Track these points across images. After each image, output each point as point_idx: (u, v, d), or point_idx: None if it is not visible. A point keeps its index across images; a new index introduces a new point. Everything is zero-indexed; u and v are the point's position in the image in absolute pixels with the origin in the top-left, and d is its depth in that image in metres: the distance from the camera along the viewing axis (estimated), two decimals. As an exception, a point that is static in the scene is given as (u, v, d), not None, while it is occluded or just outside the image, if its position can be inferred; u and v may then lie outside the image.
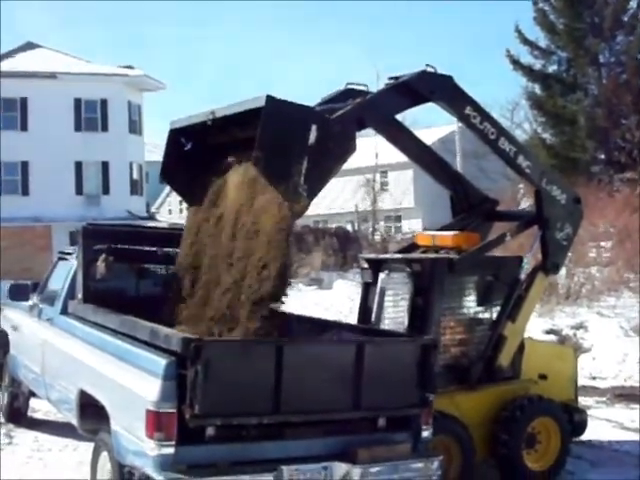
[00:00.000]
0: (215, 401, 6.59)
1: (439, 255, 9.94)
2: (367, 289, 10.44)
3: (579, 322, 20.47)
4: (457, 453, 9.26)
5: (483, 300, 10.22)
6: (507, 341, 10.04)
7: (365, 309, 10.33)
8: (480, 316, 10.26)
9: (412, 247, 10.81)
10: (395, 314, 10.06)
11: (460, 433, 9.31)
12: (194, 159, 9.24)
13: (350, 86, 9.51)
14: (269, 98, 7.53)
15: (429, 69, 9.23)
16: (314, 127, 7.72)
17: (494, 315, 10.20)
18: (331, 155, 7.87)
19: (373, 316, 10.02)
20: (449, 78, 9.39)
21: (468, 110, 9.54)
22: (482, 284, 10.23)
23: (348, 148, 8.05)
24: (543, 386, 10.38)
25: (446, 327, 9.87)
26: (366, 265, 10.48)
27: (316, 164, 7.69)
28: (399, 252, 11.05)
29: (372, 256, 11.29)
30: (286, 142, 7.60)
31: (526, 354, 10.36)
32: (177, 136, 9.31)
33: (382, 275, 10.11)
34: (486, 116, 9.76)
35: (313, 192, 7.72)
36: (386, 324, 9.99)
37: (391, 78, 9.42)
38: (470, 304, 10.28)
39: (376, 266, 10.31)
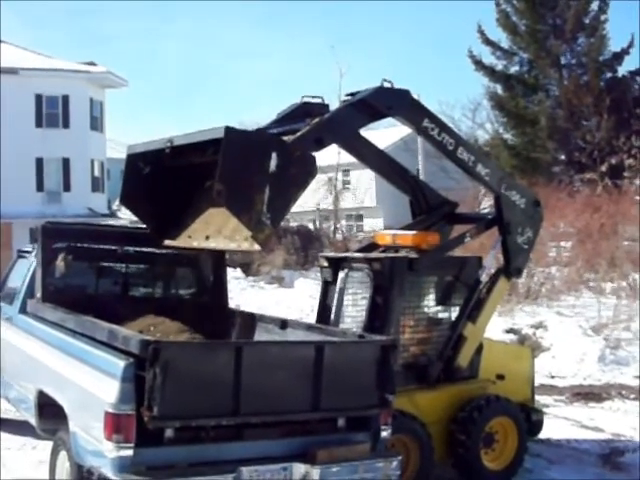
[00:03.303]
0: (174, 403, 6.57)
1: (399, 254, 9.97)
2: (326, 288, 10.46)
3: (539, 321, 20.61)
4: (416, 451, 9.29)
5: (442, 300, 10.28)
6: (467, 341, 10.09)
7: (324, 308, 10.34)
8: (439, 316, 10.32)
9: (372, 246, 10.81)
10: (354, 313, 10.08)
11: (419, 432, 9.33)
12: (153, 183, 9.24)
13: (306, 99, 9.51)
14: (228, 129, 7.54)
15: (386, 84, 9.26)
16: (274, 154, 7.72)
17: (453, 315, 10.25)
18: (293, 181, 7.88)
19: (332, 315, 10.03)
20: (406, 92, 9.42)
21: (426, 123, 9.58)
22: (442, 284, 10.30)
23: (309, 172, 8.06)
24: (500, 386, 10.44)
25: (405, 326, 9.90)
26: (326, 264, 10.49)
27: (278, 191, 7.70)
28: (359, 251, 11.06)
29: (332, 255, 11.29)
30: (247, 172, 7.60)
31: (484, 354, 10.42)
32: (135, 161, 9.29)
33: (341, 274, 10.12)
34: (444, 127, 9.81)
35: (276, 220, 7.78)
36: (345, 323, 10.00)
37: (348, 95, 9.45)
38: (429, 303, 10.33)
39: (336, 265, 10.32)
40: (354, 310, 10.10)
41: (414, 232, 10.19)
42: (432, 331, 10.16)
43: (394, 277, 9.65)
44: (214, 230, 8.66)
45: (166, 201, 9.23)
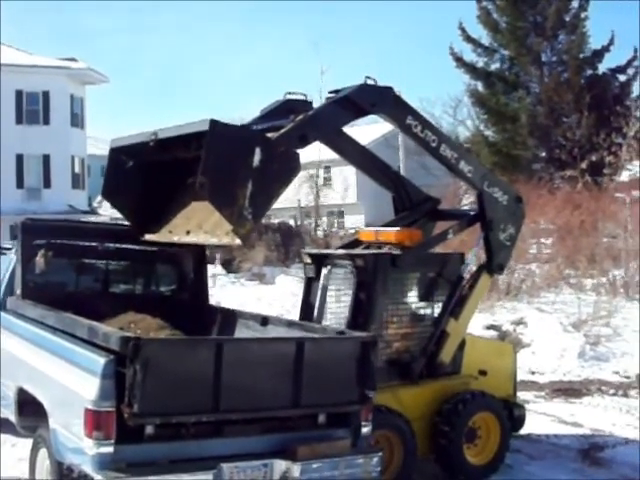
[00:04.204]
0: (154, 400, 6.56)
1: (382, 251, 9.97)
2: (310, 284, 10.47)
3: (519, 318, 20.66)
4: (399, 447, 9.33)
5: (425, 296, 10.29)
6: (449, 337, 10.12)
7: (307, 304, 10.36)
8: (422, 312, 10.33)
9: (355, 243, 10.82)
10: (338, 309, 10.10)
11: (402, 427, 9.37)
12: (136, 177, 9.22)
13: (289, 96, 9.53)
14: (213, 122, 7.54)
15: (369, 81, 9.27)
16: (257, 149, 7.73)
17: (436, 311, 10.27)
18: (275, 177, 7.89)
19: (315, 311, 10.05)
20: (389, 89, 9.45)
21: (409, 120, 9.61)
22: (424, 280, 10.31)
23: (292, 169, 8.09)
24: (483, 382, 10.49)
25: (388, 323, 9.91)
26: (309, 260, 10.51)
27: (261, 187, 7.71)
28: (342, 247, 11.08)
29: (315, 251, 11.31)
30: (230, 165, 7.61)
31: (466, 350, 10.45)
32: (118, 154, 9.27)
33: (325, 270, 10.13)
34: (426, 124, 9.84)
35: (258, 215, 7.79)
36: (328, 319, 10.03)
37: (332, 92, 9.46)
38: (412, 300, 10.34)
39: (319, 261, 10.33)
40: (337, 306, 10.12)
41: (397, 229, 10.20)
42: (415, 327, 10.17)
43: (377, 274, 9.67)
44: (195, 225, 8.67)
45: (148, 196, 9.22)
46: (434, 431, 9.85)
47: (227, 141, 7.61)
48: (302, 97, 9.50)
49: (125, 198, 9.44)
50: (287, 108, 9.30)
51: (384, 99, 9.42)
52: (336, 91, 9.37)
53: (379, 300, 9.66)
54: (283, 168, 7.97)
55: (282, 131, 8.35)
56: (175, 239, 9.05)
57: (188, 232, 8.77)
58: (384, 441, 9.10)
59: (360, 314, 9.64)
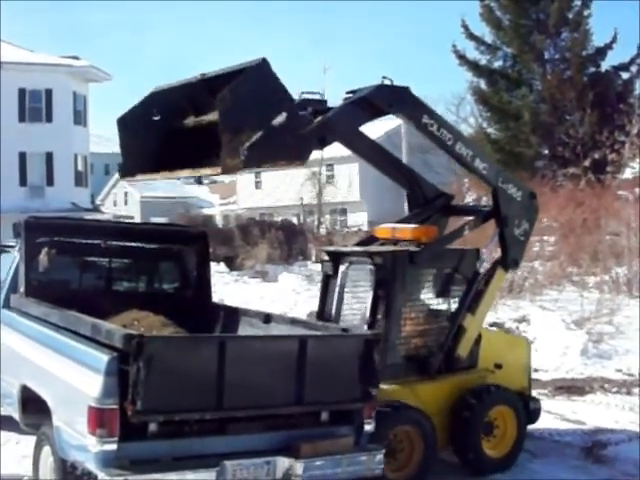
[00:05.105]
0: (157, 397, 6.59)
1: (399, 247, 10.04)
2: (327, 281, 10.52)
3: (522, 315, 20.65)
4: (419, 442, 9.33)
5: (442, 292, 10.35)
6: (466, 332, 10.16)
7: (325, 301, 10.42)
8: (439, 308, 10.39)
9: (371, 239, 10.91)
10: (355, 306, 10.16)
11: (422, 422, 9.37)
12: (154, 130, 9.16)
13: (305, 96, 9.53)
14: (264, 60, 7.73)
15: (386, 82, 9.32)
16: (284, 114, 7.83)
17: (453, 307, 10.33)
18: (284, 147, 7.98)
19: (333, 308, 10.11)
20: (406, 90, 9.49)
21: (425, 119, 9.64)
22: (441, 276, 10.36)
23: (299, 156, 8.22)
24: (498, 375, 10.53)
25: (407, 319, 9.96)
26: (327, 257, 10.58)
27: (267, 142, 7.76)
28: (359, 244, 11.13)
29: (332, 248, 11.37)
30: (254, 106, 7.69)
31: (482, 344, 10.50)
32: (152, 103, 9.23)
33: (343, 267, 10.18)
34: (443, 123, 9.88)
35: (248, 162, 7.79)
36: (346, 316, 10.09)
37: (349, 92, 9.48)
38: (430, 296, 10.40)
39: (337, 258, 10.38)
40: (355, 303, 10.19)
41: (413, 225, 10.27)
42: (432, 323, 10.23)
43: (396, 270, 9.72)
44: (181, 168, 8.75)
45: (153, 151, 9.12)
46: (452, 427, 9.87)
47: (265, 85, 7.76)
48: (318, 96, 9.54)
49: (133, 137, 9.22)
50: (303, 107, 9.32)
51: (402, 99, 9.46)
52: (353, 91, 9.41)
53: (397, 297, 9.72)
54: (295, 146, 8.10)
55: (304, 131, 8.38)
56: (156, 177, 9.17)
57: (171, 171, 8.82)
58: (404, 437, 9.17)
59: (378, 311, 9.70)
